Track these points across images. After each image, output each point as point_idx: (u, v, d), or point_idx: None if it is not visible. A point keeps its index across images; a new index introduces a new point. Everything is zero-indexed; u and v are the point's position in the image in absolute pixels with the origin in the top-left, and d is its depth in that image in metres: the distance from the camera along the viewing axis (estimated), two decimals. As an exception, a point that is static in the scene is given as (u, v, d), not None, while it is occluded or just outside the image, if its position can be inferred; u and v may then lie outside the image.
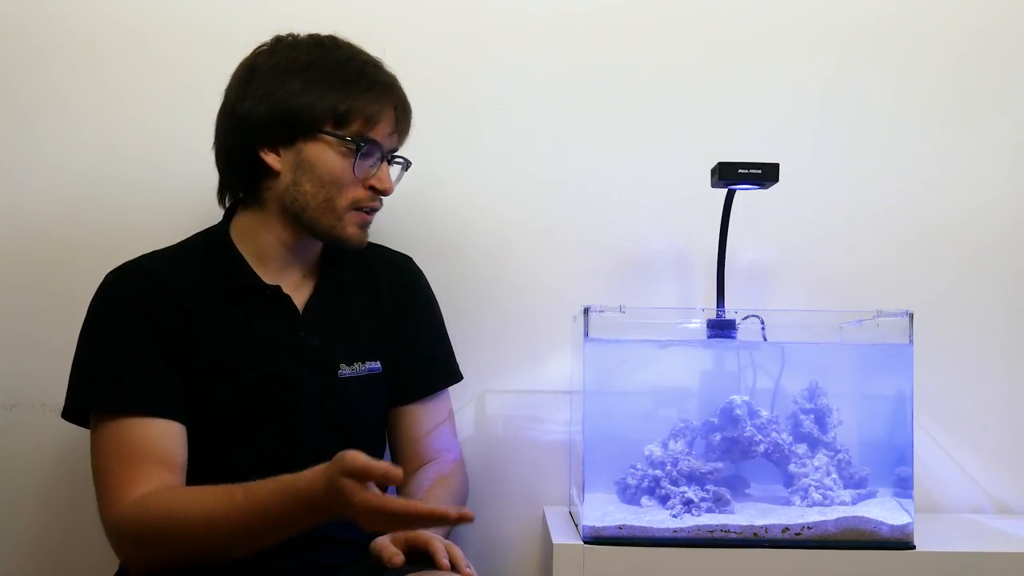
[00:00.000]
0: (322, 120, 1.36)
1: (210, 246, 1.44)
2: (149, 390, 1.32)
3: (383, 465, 1.12)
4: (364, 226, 1.42)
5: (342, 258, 1.50)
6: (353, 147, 1.37)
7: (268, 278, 1.43)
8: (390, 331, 1.51)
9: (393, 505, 1.13)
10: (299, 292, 1.45)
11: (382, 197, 1.43)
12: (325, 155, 1.37)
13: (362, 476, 1.12)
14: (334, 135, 1.36)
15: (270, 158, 1.38)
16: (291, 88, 1.36)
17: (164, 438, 1.32)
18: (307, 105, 1.36)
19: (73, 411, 1.36)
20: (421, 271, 1.59)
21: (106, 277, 1.39)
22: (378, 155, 1.40)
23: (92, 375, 1.34)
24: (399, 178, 1.48)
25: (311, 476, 1.18)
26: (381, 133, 1.39)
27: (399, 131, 1.43)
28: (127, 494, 1.27)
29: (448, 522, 1.13)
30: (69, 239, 1.71)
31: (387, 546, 1.28)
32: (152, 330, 1.35)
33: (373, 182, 1.39)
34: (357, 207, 1.40)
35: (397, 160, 1.47)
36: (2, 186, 1.72)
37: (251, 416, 1.38)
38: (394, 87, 1.42)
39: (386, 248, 1.59)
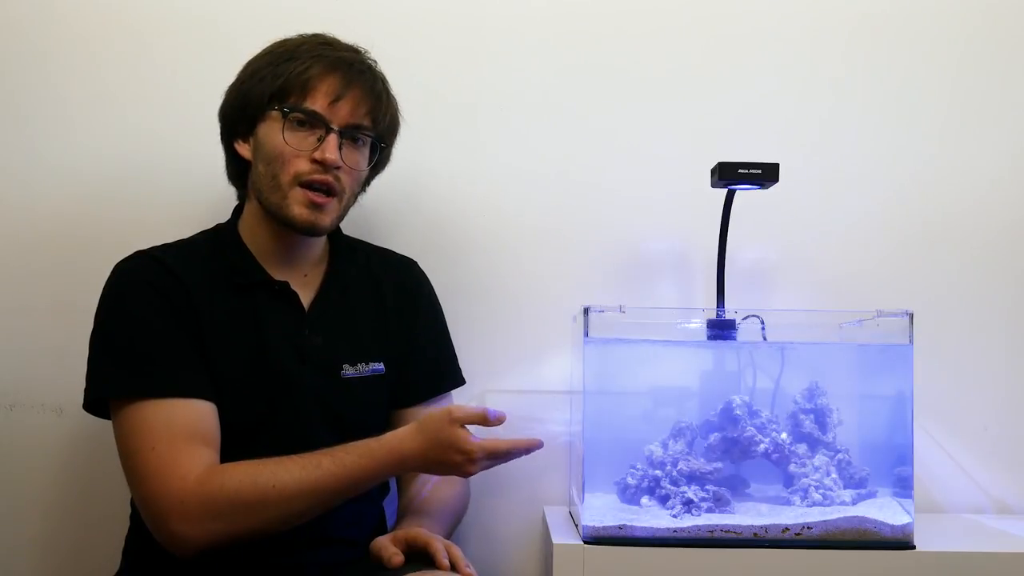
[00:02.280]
0: (265, 98, 1.37)
1: (219, 242, 1.45)
2: (183, 372, 1.33)
3: (487, 412, 1.28)
4: (315, 208, 1.36)
5: (347, 259, 1.50)
6: (281, 114, 1.36)
7: (275, 275, 1.43)
8: (393, 334, 1.51)
9: (502, 444, 1.29)
10: (304, 291, 1.45)
11: (338, 175, 1.37)
12: (270, 131, 1.37)
13: (475, 423, 1.28)
14: (274, 109, 1.37)
15: (243, 148, 1.42)
16: (245, 74, 1.40)
17: (205, 418, 1.32)
18: (254, 86, 1.38)
19: (95, 400, 1.35)
20: (425, 275, 1.59)
21: (118, 265, 1.39)
22: (321, 127, 1.36)
23: (121, 361, 1.33)
24: (373, 160, 1.43)
25: (404, 434, 1.29)
26: (320, 103, 1.36)
27: (351, 102, 1.37)
28: (189, 470, 1.26)
29: (532, 448, 1.31)
30: (69, 239, 1.71)
31: (387, 546, 1.28)
32: (172, 313, 1.35)
33: (315, 154, 1.35)
34: (301, 183, 1.36)
35: (360, 135, 1.40)
36: (2, 186, 1.72)
37: (255, 413, 1.38)
38: (343, 61, 1.38)
39: (391, 251, 1.59)
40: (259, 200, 1.41)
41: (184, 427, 1.29)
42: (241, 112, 1.40)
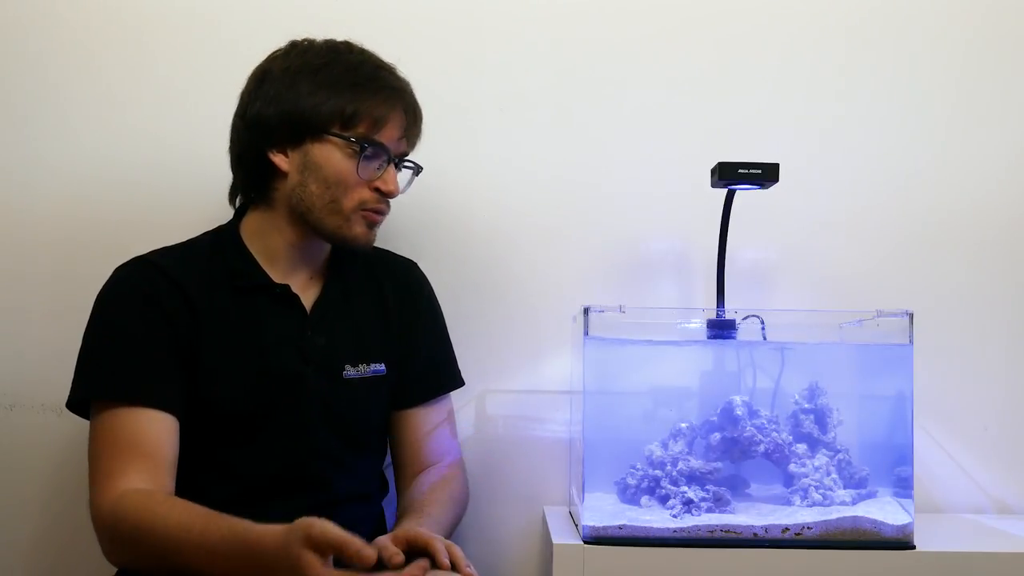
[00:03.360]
0: (329, 121, 1.37)
1: (219, 244, 1.45)
2: (144, 380, 1.33)
3: (356, 543, 1.09)
4: (371, 226, 1.42)
5: (349, 261, 1.50)
6: (358, 149, 1.37)
7: (277, 278, 1.43)
8: (394, 335, 1.51)
9: None
10: (306, 293, 1.45)
11: (389, 200, 1.43)
12: (332, 156, 1.37)
13: (331, 550, 1.09)
14: (340, 136, 1.37)
15: (278, 159, 1.39)
16: (300, 90, 1.37)
17: (154, 431, 1.32)
18: (315, 106, 1.36)
19: (75, 402, 1.37)
20: (425, 276, 1.60)
21: (116, 271, 1.40)
22: (384, 158, 1.40)
23: (92, 365, 1.35)
24: (410, 182, 1.49)
25: (266, 533, 1.15)
26: (389, 136, 1.40)
27: (408, 135, 1.44)
28: (110, 489, 1.27)
29: None
30: (69, 239, 1.71)
31: (387, 546, 1.28)
32: (160, 322, 1.35)
33: (378, 184, 1.40)
34: (363, 208, 1.40)
35: (407, 165, 1.48)
36: (2, 187, 1.72)
37: (256, 414, 1.38)
38: (404, 92, 1.43)
39: (391, 253, 1.60)
40: (302, 215, 1.40)
41: (127, 438, 1.30)
42: (291, 125, 1.37)
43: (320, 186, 1.38)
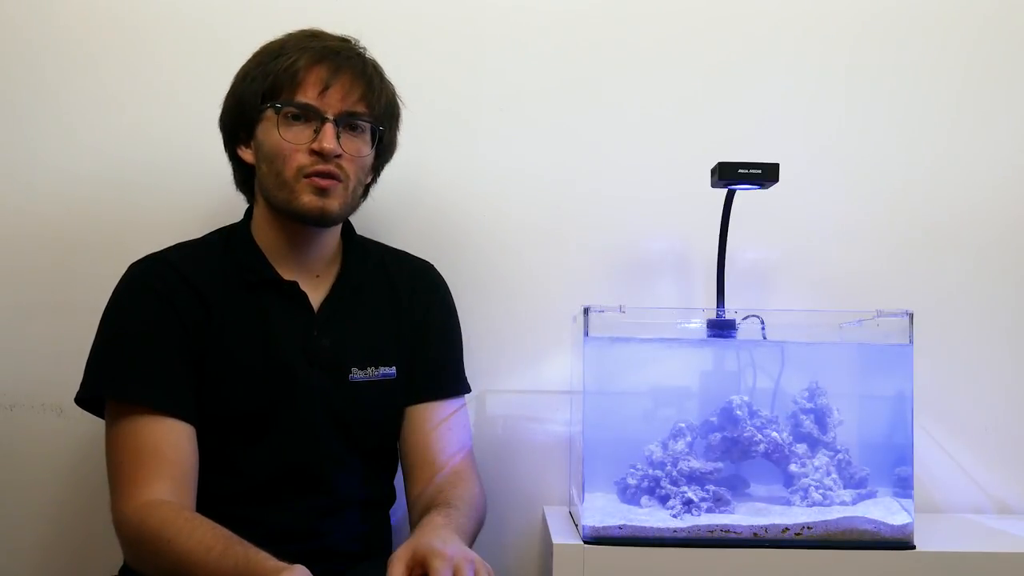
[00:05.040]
0: (258, 98, 1.37)
1: (230, 241, 1.45)
2: (165, 387, 1.33)
3: None
4: (322, 193, 1.36)
5: (360, 260, 1.49)
6: (276, 111, 1.36)
7: (286, 275, 1.43)
8: (407, 337, 1.49)
9: None
10: (315, 291, 1.45)
11: (340, 164, 1.37)
12: (267, 130, 1.37)
13: None
14: (268, 108, 1.37)
15: (245, 154, 1.42)
16: (238, 79, 1.40)
17: (176, 442, 1.32)
18: (246, 89, 1.38)
19: (86, 399, 1.37)
20: (443, 279, 1.58)
21: (130, 268, 1.41)
22: (316, 118, 1.36)
23: (110, 363, 1.35)
24: (374, 144, 1.42)
25: (280, 570, 1.15)
26: (310, 94, 1.35)
27: (342, 89, 1.37)
28: (134, 497, 1.28)
29: None
30: (69, 238, 1.71)
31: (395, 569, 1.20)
32: (173, 324, 1.36)
33: (313, 145, 1.35)
34: (304, 175, 1.36)
35: (359, 122, 1.39)
36: (2, 186, 1.72)
37: (259, 413, 1.38)
38: (328, 50, 1.38)
39: (408, 254, 1.58)
40: (267, 200, 1.41)
41: (152, 450, 1.30)
42: (239, 117, 1.40)
43: (267, 164, 1.38)
